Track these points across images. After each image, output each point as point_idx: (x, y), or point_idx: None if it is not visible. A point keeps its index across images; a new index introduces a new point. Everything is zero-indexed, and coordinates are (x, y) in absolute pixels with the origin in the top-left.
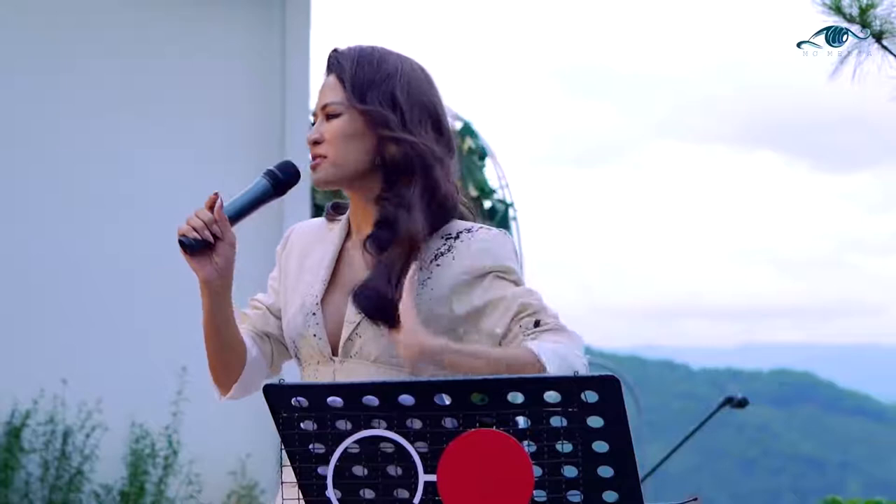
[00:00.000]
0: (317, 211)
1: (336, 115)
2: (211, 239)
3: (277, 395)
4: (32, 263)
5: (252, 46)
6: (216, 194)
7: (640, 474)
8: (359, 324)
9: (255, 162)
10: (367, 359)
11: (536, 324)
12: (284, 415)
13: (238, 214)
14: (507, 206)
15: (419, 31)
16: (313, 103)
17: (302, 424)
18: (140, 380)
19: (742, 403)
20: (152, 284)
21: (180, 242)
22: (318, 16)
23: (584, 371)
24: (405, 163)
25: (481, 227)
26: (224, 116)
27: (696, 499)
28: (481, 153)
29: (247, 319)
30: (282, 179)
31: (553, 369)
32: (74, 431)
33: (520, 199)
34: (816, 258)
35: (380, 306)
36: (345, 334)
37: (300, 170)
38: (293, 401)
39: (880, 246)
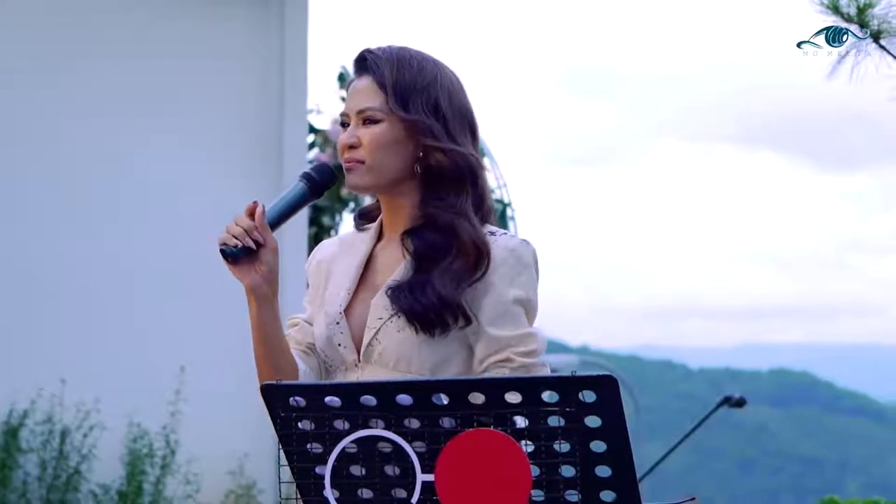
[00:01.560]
0: (315, 211)
1: (375, 121)
2: (253, 246)
3: (275, 395)
4: (31, 263)
5: (250, 47)
6: (256, 202)
7: (638, 474)
8: (379, 329)
9: (253, 162)
10: (386, 365)
11: (508, 359)
12: (282, 414)
13: (278, 219)
14: (506, 205)
15: (419, 31)
16: (311, 104)
17: (300, 424)
18: (138, 379)
19: (740, 403)
20: (151, 285)
21: (222, 252)
22: (316, 16)
23: None
24: (454, 172)
25: (504, 234)
26: (222, 117)
27: (693, 498)
28: (480, 153)
29: (291, 340)
30: (318, 181)
31: None
32: (72, 431)
33: (519, 198)
34: (816, 258)
35: (436, 309)
36: (366, 339)
37: (333, 170)
38: (291, 400)
39: (880, 246)
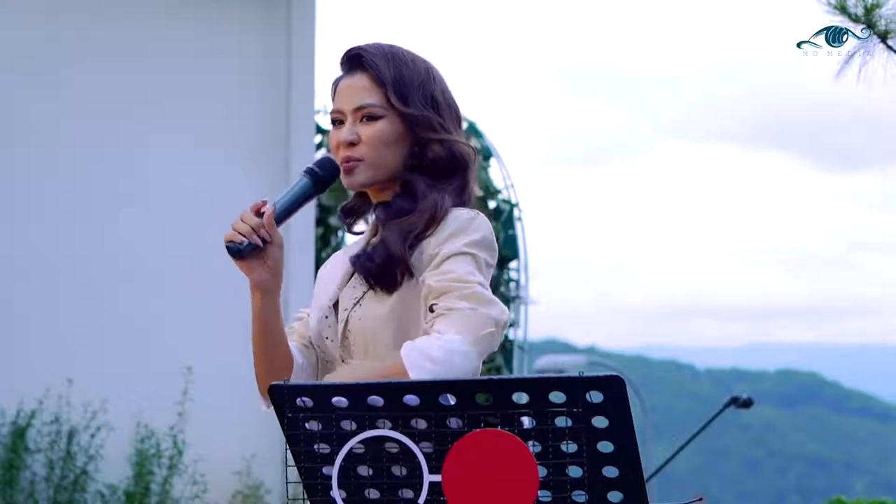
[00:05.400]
0: (322, 211)
1: (375, 118)
2: (260, 243)
3: (283, 395)
4: (37, 263)
5: (257, 47)
6: (264, 201)
7: (646, 474)
8: (347, 320)
9: (261, 163)
10: (360, 356)
11: (431, 309)
12: (289, 415)
13: (283, 215)
14: (513, 206)
15: (424, 32)
16: (318, 104)
17: (307, 424)
18: (145, 380)
19: (747, 403)
20: (158, 284)
21: (228, 248)
22: (323, 17)
23: (457, 358)
24: (450, 161)
25: (463, 210)
26: (229, 117)
27: (701, 499)
28: (486, 153)
29: (294, 333)
30: (322, 176)
31: (413, 373)
32: (80, 431)
33: (525, 198)
34: (822, 258)
35: (385, 265)
36: (340, 329)
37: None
38: (298, 401)
39: (886, 245)
